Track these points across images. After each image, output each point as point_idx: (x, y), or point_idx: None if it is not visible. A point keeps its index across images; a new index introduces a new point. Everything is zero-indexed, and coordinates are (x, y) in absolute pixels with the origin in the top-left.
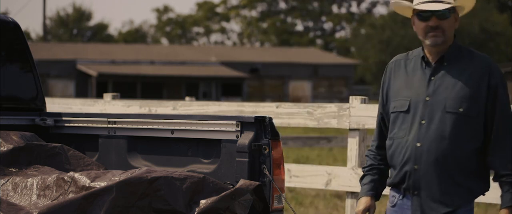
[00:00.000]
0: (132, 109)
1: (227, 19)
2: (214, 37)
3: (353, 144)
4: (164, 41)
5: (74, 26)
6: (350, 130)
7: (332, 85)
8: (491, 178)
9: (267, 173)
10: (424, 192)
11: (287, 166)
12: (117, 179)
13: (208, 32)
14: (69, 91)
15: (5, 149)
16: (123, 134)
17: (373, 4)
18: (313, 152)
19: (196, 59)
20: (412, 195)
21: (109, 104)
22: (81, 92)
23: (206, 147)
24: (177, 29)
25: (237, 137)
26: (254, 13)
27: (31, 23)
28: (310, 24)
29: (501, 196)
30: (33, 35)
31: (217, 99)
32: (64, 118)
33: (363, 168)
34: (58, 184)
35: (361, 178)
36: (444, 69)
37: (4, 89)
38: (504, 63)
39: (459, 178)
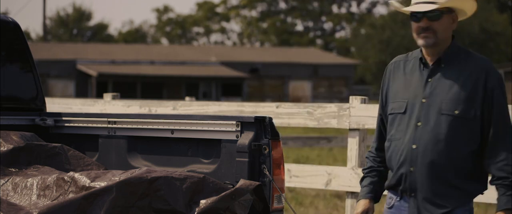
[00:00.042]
0: (132, 109)
1: (227, 19)
2: (214, 37)
3: (353, 144)
4: (164, 41)
5: (74, 26)
6: (350, 130)
7: (332, 85)
8: (489, 180)
9: (267, 173)
10: (421, 193)
11: (287, 166)
12: (117, 179)
13: (208, 32)
14: (69, 91)
15: (5, 149)
16: (123, 134)
17: (373, 4)
18: (313, 152)
19: (196, 59)
20: (408, 197)
21: (109, 104)
22: (81, 92)
23: (206, 147)
24: (177, 29)
25: (237, 137)
26: (254, 13)
27: (31, 23)
28: (310, 24)
29: (498, 198)
30: (33, 35)
31: (217, 99)
32: (64, 118)
33: (363, 169)
34: (58, 184)
35: (361, 180)
36: (442, 71)
37: (4, 89)
38: (504, 63)
39: (455, 180)
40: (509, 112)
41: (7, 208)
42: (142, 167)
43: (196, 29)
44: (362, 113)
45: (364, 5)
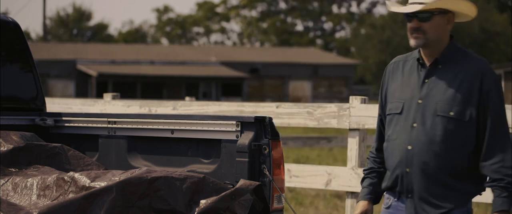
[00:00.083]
0: (132, 109)
1: (227, 19)
2: (214, 37)
3: (353, 144)
4: (164, 41)
5: (74, 26)
6: (350, 130)
7: (332, 85)
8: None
9: (267, 173)
10: (417, 194)
11: (287, 166)
12: (117, 179)
13: (208, 32)
14: (69, 91)
15: (5, 149)
16: (123, 134)
17: (373, 4)
18: (313, 152)
19: (196, 59)
20: (405, 198)
21: (109, 104)
22: (81, 92)
23: (206, 147)
24: (177, 29)
25: (237, 137)
26: (254, 13)
27: (31, 23)
28: (310, 24)
29: (493, 200)
30: (33, 35)
31: (217, 99)
32: (64, 118)
33: (364, 170)
34: (58, 184)
35: (362, 181)
36: (438, 71)
37: (4, 89)
38: (504, 63)
39: (451, 181)
40: (505, 113)
41: (7, 208)
42: (142, 167)
43: (196, 29)
44: (362, 113)
45: (364, 5)
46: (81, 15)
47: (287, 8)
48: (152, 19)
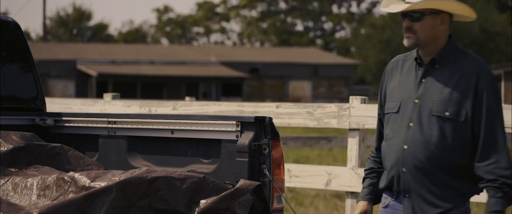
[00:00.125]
0: (132, 109)
1: (227, 19)
2: (214, 37)
3: (353, 144)
4: (164, 41)
5: (74, 26)
6: (350, 130)
7: (332, 85)
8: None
9: (267, 173)
10: (414, 194)
11: (287, 166)
12: (117, 179)
13: (208, 32)
14: (69, 91)
15: (5, 149)
16: (123, 134)
17: (373, 4)
18: (313, 152)
19: (196, 59)
20: (403, 197)
21: (109, 104)
22: (81, 92)
23: (206, 147)
24: (177, 29)
25: (237, 137)
26: (254, 13)
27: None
28: (310, 24)
29: (487, 201)
30: (33, 35)
31: (217, 99)
32: (64, 118)
33: (365, 170)
34: (58, 184)
35: (363, 181)
36: (435, 71)
37: (4, 89)
38: (504, 63)
39: (447, 181)
40: (501, 114)
41: (7, 208)
42: (142, 167)
43: (196, 29)
44: (362, 113)
45: (364, 5)
46: (81, 15)
47: (287, 8)
48: (152, 19)
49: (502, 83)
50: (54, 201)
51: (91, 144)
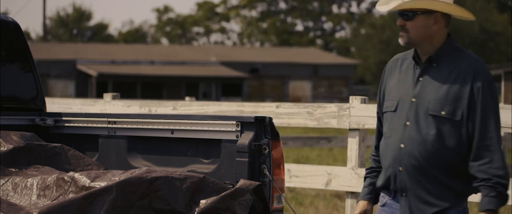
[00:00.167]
0: (132, 109)
1: (227, 19)
2: (214, 37)
3: (353, 144)
4: (164, 41)
5: (74, 26)
6: (350, 130)
7: (332, 85)
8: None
9: (267, 173)
10: (411, 193)
11: (287, 166)
12: (117, 179)
13: (208, 32)
14: (69, 91)
15: (5, 149)
16: (123, 134)
17: (373, 4)
18: (313, 152)
19: (196, 59)
20: (400, 196)
21: (109, 104)
22: (81, 92)
23: (206, 147)
24: (177, 29)
25: (237, 137)
26: (254, 13)
27: (31, 23)
28: (310, 24)
29: (480, 200)
30: (33, 35)
31: (217, 99)
32: (64, 118)
33: (366, 169)
34: (58, 184)
35: (364, 180)
36: (432, 70)
37: (4, 89)
38: (504, 63)
39: (444, 180)
40: (497, 114)
41: (7, 208)
42: (142, 167)
43: (196, 29)
44: (362, 113)
45: (364, 5)
46: (81, 15)
47: (287, 8)
48: (152, 19)
49: (502, 83)
50: (54, 201)
51: (91, 144)
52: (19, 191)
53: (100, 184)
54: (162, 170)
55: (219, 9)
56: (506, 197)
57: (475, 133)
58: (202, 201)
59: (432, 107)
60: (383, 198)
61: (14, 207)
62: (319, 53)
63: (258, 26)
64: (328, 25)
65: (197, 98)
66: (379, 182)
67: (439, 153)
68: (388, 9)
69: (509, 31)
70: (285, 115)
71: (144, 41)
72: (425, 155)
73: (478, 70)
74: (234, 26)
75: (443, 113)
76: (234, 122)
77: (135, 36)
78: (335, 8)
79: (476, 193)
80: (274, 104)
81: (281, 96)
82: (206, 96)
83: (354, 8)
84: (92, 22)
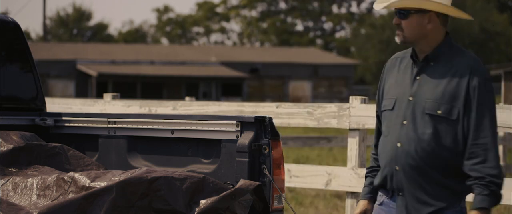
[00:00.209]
0: (132, 109)
1: (227, 19)
2: (214, 37)
3: (353, 144)
4: (164, 41)
5: (74, 26)
6: (350, 130)
7: (332, 85)
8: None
9: (267, 173)
10: (407, 192)
11: (287, 166)
12: (117, 179)
13: (208, 32)
14: (69, 91)
15: (5, 149)
16: (123, 134)
17: (373, 4)
18: (313, 152)
19: (196, 59)
20: (397, 195)
21: (109, 104)
22: (81, 92)
23: (206, 147)
24: (177, 29)
25: (237, 137)
26: (254, 13)
27: (31, 23)
28: (310, 24)
29: (473, 198)
30: (33, 35)
31: (217, 99)
32: (64, 118)
33: (366, 168)
34: (58, 184)
35: (365, 179)
36: (430, 69)
37: (4, 89)
38: (504, 63)
39: (440, 179)
40: (493, 113)
41: (7, 208)
42: (142, 167)
43: (196, 29)
44: (362, 113)
45: (364, 5)
46: (81, 15)
47: (287, 8)
48: (152, 19)
49: (502, 83)
50: (54, 201)
51: (91, 144)
52: (19, 191)
53: (100, 184)
54: (162, 170)
55: (219, 9)
56: (499, 197)
57: (470, 132)
58: (202, 201)
59: (429, 106)
60: (381, 197)
61: (14, 207)
62: (319, 53)
63: (258, 26)
64: (328, 25)
65: (197, 98)
66: (376, 180)
67: (435, 152)
68: (382, 7)
69: (509, 31)
70: (285, 115)
71: (144, 41)
72: (421, 154)
73: (474, 69)
74: (234, 26)
75: (439, 112)
76: (234, 122)
77: (135, 36)
78: (335, 8)
79: (473, 192)
80: (274, 104)
81: (281, 96)
82: (206, 96)
83: (354, 8)
84: (92, 22)
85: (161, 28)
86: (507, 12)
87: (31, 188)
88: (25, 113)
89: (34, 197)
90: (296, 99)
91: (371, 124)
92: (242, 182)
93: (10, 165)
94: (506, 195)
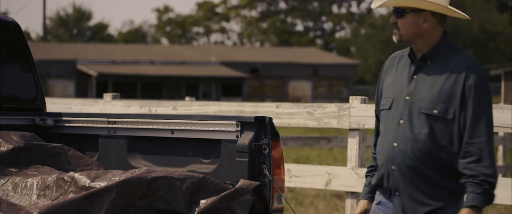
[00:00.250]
0: (132, 109)
1: (227, 19)
2: (214, 37)
3: (353, 144)
4: (164, 41)
5: (74, 26)
6: (350, 130)
7: (332, 85)
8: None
9: (267, 173)
10: (404, 192)
11: (287, 166)
12: (117, 179)
13: (208, 32)
14: (69, 91)
15: (5, 149)
16: (123, 134)
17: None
18: (313, 152)
19: (196, 59)
20: (393, 195)
21: (109, 104)
22: (81, 92)
23: (206, 147)
24: (177, 29)
25: (237, 137)
26: (254, 13)
27: (31, 23)
28: (310, 24)
29: (465, 196)
30: (33, 35)
31: (217, 99)
32: (64, 118)
33: (367, 168)
34: (58, 184)
35: (365, 179)
36: (427, 68)
37: (4, 89)
38: (504, 63)
39: (437, 179)
40: (489, 112)
41: (7, 208)
42: (142, 167)
43: (196, 29)
44: (362, 113)
45: (364, 5)
46: (81, 15)
47: (287, 8)
48: (152, 19)
49: (502, 83)
50: (54, 201)
51: (91, 144)
52: (19, 191)
53: (100, 184)
54: (162, 170)
55: (219, 9)
56: (492, 196)
57: (466, 131)
58: (202, 201)
59: (425, 105)
60: (378, 196)
61: (14, 207)
62: (319, 53)
63: (258, 26)
64: (328, 25)
65: (197, 98)
66: (374, 180)
67: (431, 152)
68: (377, 5)
69: (509, 31)
70: (285, 115)
71: (144, 41)
72: (417, 154)
73: (471, 68)
74: (234, 26)
75: (435, 111)
76: (234, 122)
77: (135, 36)
78: (335, 8)
79: (466, 191)
80: (274, 104)
81: (281, 96)
82: (206, 96)
83: (354, 8)
84: (92, 22)
85: (161, 28)
86: (507, 12)
87: (31, 188)
88: (25, 113)
89: (34, 197)
90: (296, 99)
91: (371, 124)
92: (242, 182)
93: (10, 165)
94: (506, 195)
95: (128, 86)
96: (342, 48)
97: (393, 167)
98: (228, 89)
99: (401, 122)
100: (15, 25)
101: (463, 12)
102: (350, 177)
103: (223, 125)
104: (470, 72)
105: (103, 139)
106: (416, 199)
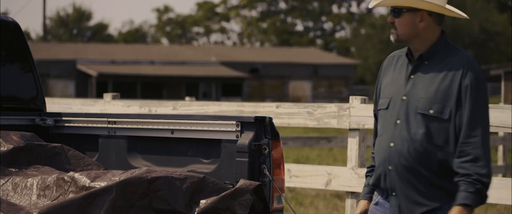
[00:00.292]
0: (132, 109)
1: (227, 19)
2: (214, 37)
3: (353, 144)
4: (164, 41)
5: (74, 26)
6: (350, 130)
7: (332, 85)
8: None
9: (267, 173)
10: (400, 192)
11: (287, 166)
12: (117, 179)
13: (208, 32)
14: (69, 91)
15: (5, 149)
16: (123, 134)
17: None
18: (313, 152)
19: (196, 59)
20: (390, 195)
21: (109, 104)
22: (81, 92)
23: (206, 147)
24: (177, 29)
25: (237, 137)
26: (254, 13)
27: (31, 23)
28: (310, 24)
29: (458, 194)
30: (33, 35)
31: (217, 99)
32: (64, 118)
33: (367, 168)
34: (58, 184)
35: (365, 179)
36: (424, 68)
37: (4, 89)
38: (504, 63)
39: (433, 179)
40: (485, 112)
41: (7, 208)
42: (142, 167)
43: (196, 29)
44: (362, 113)
45: (364, 5)
46: (81, 15)
47: (287, 8)
48: (152, 19)
49: (502, 83)
50: (54, 201)
51: (91, 144)
52: (19, 191)
53: (100, 184)
54: (162, 170)
55: (219, 9)
56: (485, 196)
57: (462, 130)
58: (202, 201)
59: (421, 105)
60: (376, 197)
61: (14, 207)
62: (319, 53)
63: (258, 26)
64: (328, 25)
65: (197, 98)
66: (371, 180)
67: (428, 152)
68: (374, 4)
69: (509, 31)
70: (285, 115)
71: (144, 41)
72: (414, 154)
73: (468, 68)
74: (234, 26)
75: (431, 111)
76: (234, 122)
77: (135, 36)
78: (335, 8)
79: (459, 189)
80: (274, 104)
81: (281, 96)
82: (206, 96)
83: (354, 8)
84: (92, 22)
85: (161, 28)
86: (507, 12)
87: (31, 188)
88: (25, 113)
89: (34, 197)
90: (296, 99)
91: (371, 124)
92: (242, 182)
93: (10, 165)
94: (506, 195)
95: (128, 86)
96: (342, 48)
97: (390, 167)
98: (228, 89)
99: (398, 122)
100: (15, 25)
101: (463, 12)
102: (350, 177)
103: (223, 125)
104: (466, 72)
105: (103, 139)
106: (413, 200)
